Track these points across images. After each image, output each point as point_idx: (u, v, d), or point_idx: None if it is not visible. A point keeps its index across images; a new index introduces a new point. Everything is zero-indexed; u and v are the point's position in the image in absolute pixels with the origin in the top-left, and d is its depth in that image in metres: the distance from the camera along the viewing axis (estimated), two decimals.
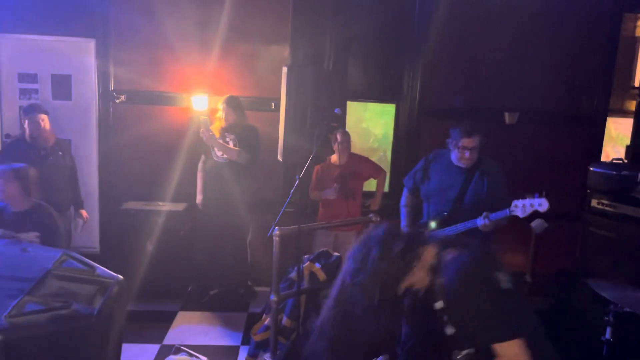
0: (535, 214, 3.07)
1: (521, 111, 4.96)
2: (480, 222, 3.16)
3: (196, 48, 4.81)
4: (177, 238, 4.62)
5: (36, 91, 4.96)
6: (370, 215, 3.49)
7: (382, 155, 5.52)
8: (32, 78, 4.95)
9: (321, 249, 3.63)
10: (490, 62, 4.94)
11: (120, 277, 2.39)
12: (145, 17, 4.74)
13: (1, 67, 4.91)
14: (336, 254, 3.57)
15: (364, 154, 4.75)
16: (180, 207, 4.75)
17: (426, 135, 4.98)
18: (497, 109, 4.97)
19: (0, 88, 4.94)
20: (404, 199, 3.71)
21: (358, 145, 5.27)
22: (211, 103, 4.78)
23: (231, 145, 4.43)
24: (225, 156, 4.45)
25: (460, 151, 3.29)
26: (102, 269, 2.40)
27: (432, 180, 3.45)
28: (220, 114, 4.45)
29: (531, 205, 3.02)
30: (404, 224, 3.65)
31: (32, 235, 3.37)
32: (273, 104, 4.80)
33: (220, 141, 4.40)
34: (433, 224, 3.37)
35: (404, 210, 3.68)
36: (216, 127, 4.47)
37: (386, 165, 5.11)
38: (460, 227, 3.27)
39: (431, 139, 4.64)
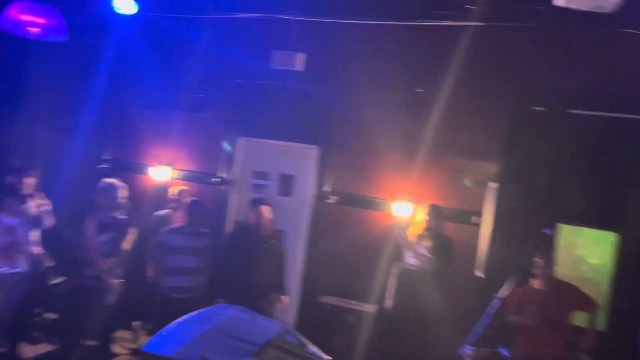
0: None
1: None
2: None
3: (402, 158, 5.10)
4: (364, 338, 4.66)
5: (266, 187, 5.77)
6: (580, 354, 3.08)
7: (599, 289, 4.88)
8: (264, 175, 5.80)
9: None
10: None
11: (329, 357, 2.58)
12: (359, 129, 5.28)
13: (240, 164, 5.88)
14: None
15: (575, 284, 4.28)
16: (371, 309, 4.84)
17: None
18: None
19: (238, 182, 5.88)
20: None
21: (567, 273, 4.78)
22: (411, 210, 4.93)
23: (424, 252, 4.45)
24: (416, 262, 4.48)
25: None
26: (313, 347, 2.64)
27: None
28: (421, 219, 4.56)
29: None
30: None
31: None
32: (473, 218, 4.73)
33: (414, 246, 4.47)
34: None
35: None
36: (412, 232, 4.58)
37: (603, 300, 4.50)
38: None
39: None
